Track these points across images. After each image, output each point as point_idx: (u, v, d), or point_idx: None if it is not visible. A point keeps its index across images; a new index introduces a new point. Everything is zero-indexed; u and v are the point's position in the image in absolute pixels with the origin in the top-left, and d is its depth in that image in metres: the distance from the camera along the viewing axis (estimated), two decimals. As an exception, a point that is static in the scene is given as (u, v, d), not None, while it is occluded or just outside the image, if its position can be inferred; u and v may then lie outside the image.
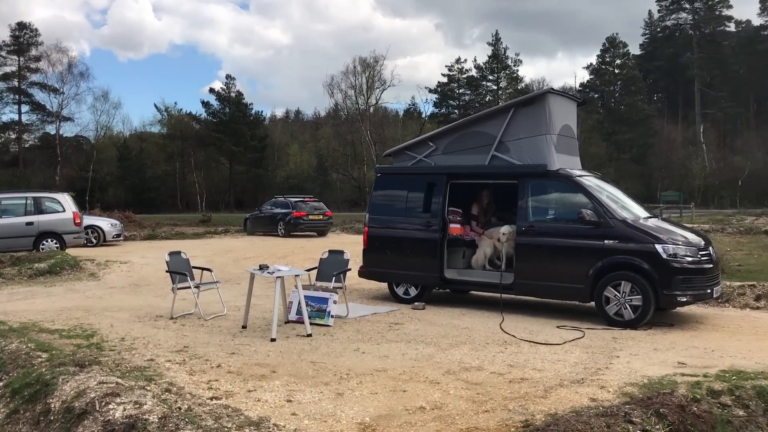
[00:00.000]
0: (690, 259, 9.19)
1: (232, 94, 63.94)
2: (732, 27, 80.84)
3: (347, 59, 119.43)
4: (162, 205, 59.52)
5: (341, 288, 9.68)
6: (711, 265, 9.45)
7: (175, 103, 79.28)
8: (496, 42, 72.27)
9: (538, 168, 10.03)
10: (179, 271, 9.83)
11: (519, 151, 10.35)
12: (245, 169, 63.10)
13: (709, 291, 9.35)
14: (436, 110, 73.77)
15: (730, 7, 79.24)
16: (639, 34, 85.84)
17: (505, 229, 10.70)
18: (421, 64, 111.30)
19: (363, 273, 11.56)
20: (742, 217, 39.69)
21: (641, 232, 9.33)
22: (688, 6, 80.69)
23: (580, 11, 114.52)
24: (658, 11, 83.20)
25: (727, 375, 6.50)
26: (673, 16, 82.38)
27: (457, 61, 73.92)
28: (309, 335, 8.50)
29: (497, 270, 10.72)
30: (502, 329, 9.05)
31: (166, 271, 10.07)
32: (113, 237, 23.72)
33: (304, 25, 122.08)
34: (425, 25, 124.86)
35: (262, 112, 70.94)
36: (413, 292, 11.06)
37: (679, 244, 9.24)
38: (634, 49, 79.39)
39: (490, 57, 72.66)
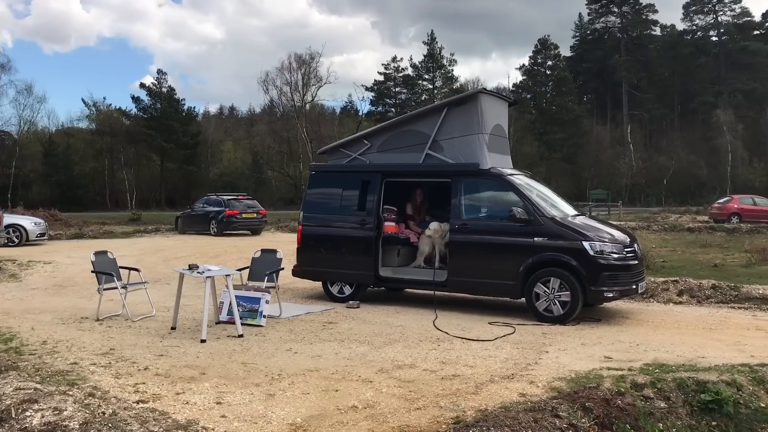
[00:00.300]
0: (616, 255, 9.45)
1: (164, 90, 62.38)
2: (657, 31, 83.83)
3: (282, 55, 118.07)
4: (90, 203, 57.61)
5: (274, 287, 9.56)
6: (636, 262, 9.75)
7: (104, 98, 76.70)
8: (431, 41, 72.94)
9: (471, 167, 10.15)
10: (105, 271, 9.53)
11: (452, 149, 10.44)
12: (177, 166, 61.65)
13: (634, 287, 9.65)
14: (373, 108, 74.00)
15: (656, 11, 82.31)
16: (570, 36, 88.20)
17: (432, 225, 10.81)
18: (357, 62, 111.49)
19: (297, 272, 11.46)
20: (666, 215, 41.30)
21: (569, 230, 9.55)
22: (616, 10, 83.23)
23: (513, 13, 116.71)
24: (588, 14, 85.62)
25: (650, 368, 6.72)
26: (602, 19, 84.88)
27: (393, 59, 74.37)
28: (240, 336, 8.36)
29: (433, 267, 10.81)
30: (436, 326, 9.11)
31: (92, 272, 9.74)
32: (37, 236, 22.77)
33: (238, 20, 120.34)
34: (361, 23, 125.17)
35: (194, 107, 69.51)
36: (348, 290, 11.02)
37: (605, 241, 9.49)
38: (565, 51, 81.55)
39: (425, 56, 73.30)
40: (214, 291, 9.14)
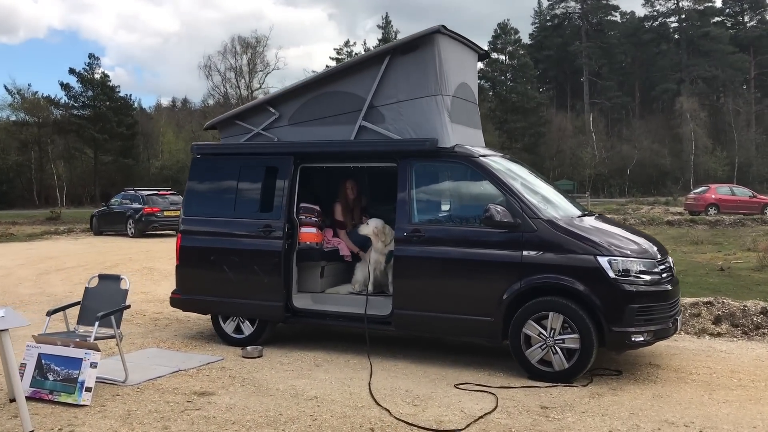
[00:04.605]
0: (647, 277, 6.17)
1: (96, 76, 57.23)
2: (618, 17, 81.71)
3: (226, 39, 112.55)
4: (17, 200, 52.65)
5: (114, 337, 6.00)
6: (672, 287, 6.47)
7: (29, 85, 70.90)
8: (386, 25, 69.44)
9: (426, 144, 6.73)
10: None
11: (398, 119, 7.03)
12: (113, 159, 56.77)
13: (672, 324, 6.38)
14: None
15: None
16: (527, 26, 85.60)
17: (372, 222, 7.49)
18: (314, 54, 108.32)
19: (176, 301, 7.90)
20: (637, 206, 38.64)
21: (576, 238, 6.21)
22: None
23: (469, 5, 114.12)
24: (548, 0, 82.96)
25: None
26: (562, 5, 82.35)
27: (346, 44, 70.66)
28: (30, 434, 4.82)
29: (377, 294, 7.46)
30: (372, 396, 5.70)
31: None
32: None
33: (192, 12, 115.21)
34: (318, 15, 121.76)
35: (131, 95, 63.94)
36: (248, 329, 7.52)
37: (630, 255, 6.20)
38: (524, 39, 78.67)
39: (380, 41, 69.67)
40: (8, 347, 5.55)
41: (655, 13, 79.15)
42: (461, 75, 7.40)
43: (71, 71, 56.76)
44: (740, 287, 11.55)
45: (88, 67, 57.35)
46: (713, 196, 32.14)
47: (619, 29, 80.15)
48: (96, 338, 5.79)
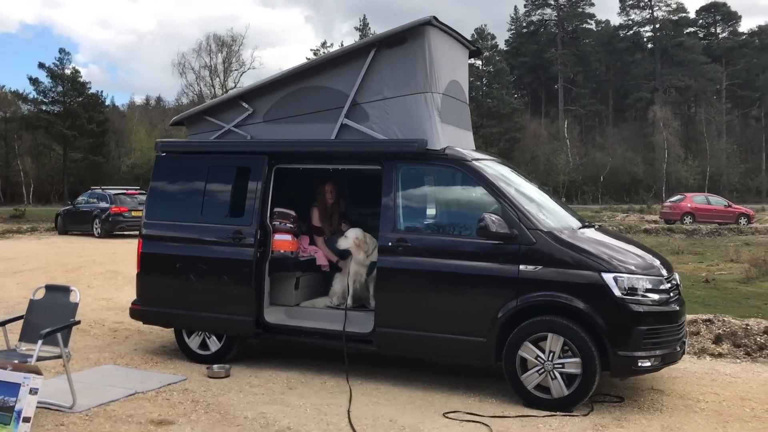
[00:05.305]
0: (655, 296, 5.64)
1: (67, 71, 55.71)
2: (593, 25, 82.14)
3: (201, 37, 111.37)
4: (-18, 198, 51.21)
5: (60, 356, 5.30)
6: (680, 307, 5.95)
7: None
8: (363, 27, 68.79)
9: (414, 145, 6.14)
10: None
11: (383, 117, 6.42)
12: (82, 156, 55.33)
13: (679, 348, 5.86)
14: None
15: (592, 4, 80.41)
16: (503, 33, 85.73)
17: (351, 232, 6.90)
18: (290, 55, 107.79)
19: (136, 313, 7.19)
20: (612, 214, 38.55)
21: (579, 252, 5.66)
22: (552, 2, 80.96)
23: (446, 11, 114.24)
24: (524, 6, 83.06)
25: None
26: (539, 11, 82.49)
27: (323, 45, 69.72)
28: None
29: (357, 308, 6.85)
30: (352, 428, 5.08)
31: None
32: None
33: (168, 11, 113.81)
34: (295, 17, 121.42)
35: (101, 92, 62.39)
36: (215, 344, 6.85)
37: (636, 272, 5.66)
38: (500, 45, 78.74)
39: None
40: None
41: (630, 22, 79.73)
42: (452, 72, 6.83)
43: (41, 66, 55.23)
44: (729, 300, 11.23)
45: (58, 62, 55.85)
46: (689, 205, 32.07)
47: (595, 37, 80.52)
48: (39, 358, 5.09)
